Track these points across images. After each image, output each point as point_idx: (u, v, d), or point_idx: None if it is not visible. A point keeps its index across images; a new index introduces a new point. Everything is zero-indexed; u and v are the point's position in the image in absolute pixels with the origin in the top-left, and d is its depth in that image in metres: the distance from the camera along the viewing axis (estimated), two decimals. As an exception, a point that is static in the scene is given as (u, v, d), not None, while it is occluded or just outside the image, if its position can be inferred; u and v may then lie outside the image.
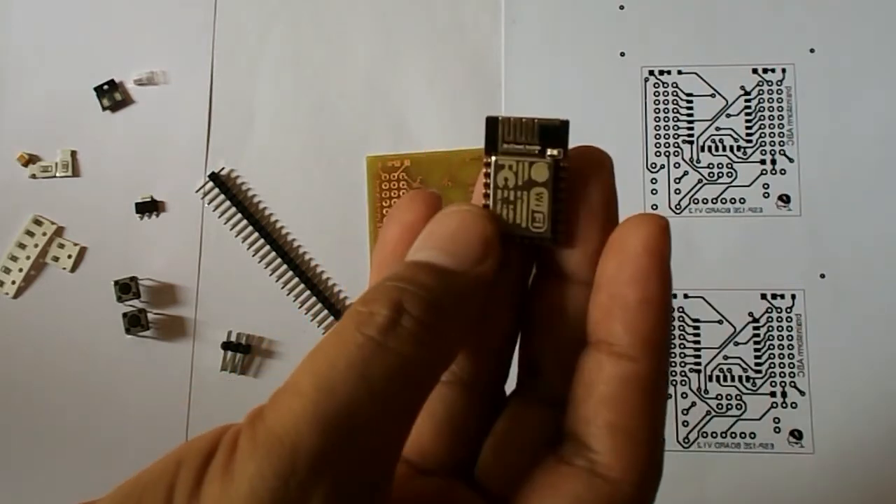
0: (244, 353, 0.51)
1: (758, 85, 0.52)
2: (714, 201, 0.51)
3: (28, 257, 0.53)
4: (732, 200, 0.51)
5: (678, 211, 0.51)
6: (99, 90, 0.54)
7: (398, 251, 0.20)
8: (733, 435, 0.49)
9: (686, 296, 0.50)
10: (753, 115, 0.52)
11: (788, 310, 0.50)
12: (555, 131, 0.20)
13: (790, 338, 0.50)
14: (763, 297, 0.50)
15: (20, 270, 0.53)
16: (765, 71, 0.52)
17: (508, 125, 0.21)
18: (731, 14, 0.53)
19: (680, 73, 0.53)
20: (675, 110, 0.52)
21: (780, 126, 0.52)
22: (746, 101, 0.52)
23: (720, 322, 0.50)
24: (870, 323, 0.49)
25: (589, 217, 0.20)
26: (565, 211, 0.20)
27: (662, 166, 0.52)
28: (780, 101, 0.52)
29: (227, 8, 0.55)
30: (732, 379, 0.50)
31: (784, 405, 0.49)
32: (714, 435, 0.49)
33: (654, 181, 0.52)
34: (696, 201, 0.51)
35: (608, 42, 0.53)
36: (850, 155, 0.51)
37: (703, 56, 0.53)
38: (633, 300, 0.19)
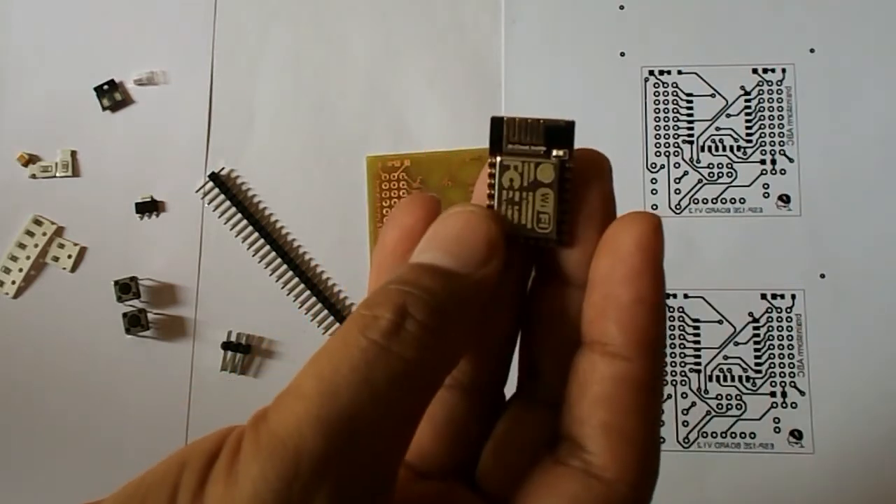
0: (244, 353, 0.51)
1: (758, 85, 0.52)
2: (714, 201, 0.51)
3: (28, 257, 0.53)
4: (732, 200, 0.51)
5: (678, 211, 0.51)
6: (99, 90, 0.54)
7: (397, 254, 0.20)
8: (733, 435, 0.49)
9: (686, 296, 0.50)
10: (753, 115, 0.52)
11: (788, 310, 0.50)
12: (561, 132, 0.20)
13: (790, 338, 0.50)
14: (763, 297, 0.50)
15: (20, 270, 0.52)
16: (765, 71, 0.52)
17: (514, 125, 0.20)
18: (731, 14, 0.53)
19: (680, 73, 0.53)
20: (675, 110, 0.52)
21: (780, 126, 0.52)
22: (746, 101, 0.52)
23: (720, 322, 0.50)
24: (870, 323, 0.50)
25: (590, 219, 0.20)
26: (571, 212, 0.20)
27: (662, 166, 0.52)
28: (780, 101, 0.52)
29: (227, 8, 0.55)
30: (732, 379, 0.50)
31: (784, 405, 0.49)
32: (714, 435, 0.49)
33: (654, 181, 0.52)
34: (696, 201, 0.51)
35: (608, 42, 0.53)
36: (850, 155, 0.51)
37: (703, 56, 0.53)
38: (627, 299, 0.19)
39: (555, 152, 0.20)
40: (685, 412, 0.49)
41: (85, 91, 0.54)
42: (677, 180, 0.52)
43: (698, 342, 0.50)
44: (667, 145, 0.52)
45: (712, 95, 0.52)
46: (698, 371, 0.50)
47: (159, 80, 0.54)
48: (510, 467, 0.20)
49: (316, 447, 0.16)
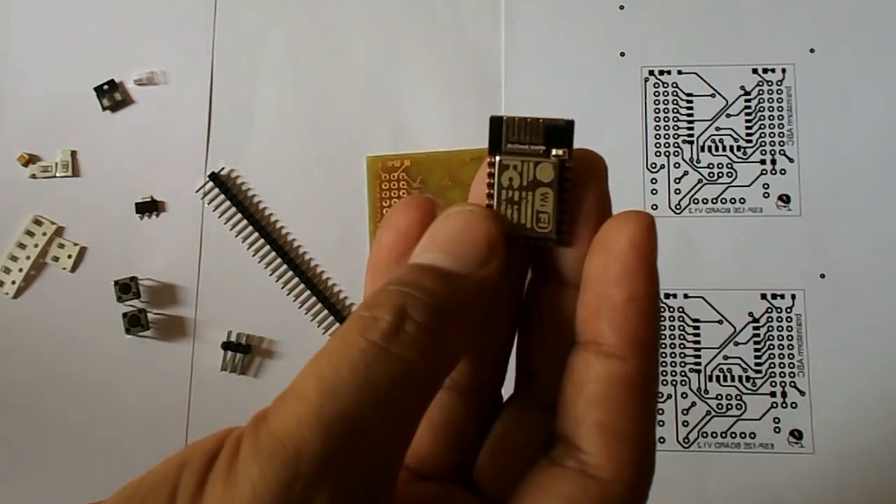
0: (244, 353, 0.51)
1: (758, 85, 0.52)
2: (714, 201, 0.51)
3: (28, 257, 0.53)
4: (732, 200, 0.51)
5: (678, 211, 0.51)
6: (99, 90, 0.54)
7: (392, 257, 0.20)
8: (733, 435, 0.49)
9: (686, 296, 0.50)
10: (753, 115, 0.52)
11: (788, 310, 0.50)
12: (560, 131, 0.20)
13: (790, 338, 0.50)
14: (763, 297, 0.50)
15: (20, 270, 0.52)
16: (765, 71, 0.52)
17: (513, 125, 0.20)
18: (731, 14, 0.53)
19: (680, 73, 0.53)
20: (675, 110, 0.52)
21: (780, 126, 0.52)
22: (746, 101, 0.52)
23: (720, 322, 0.50)
24: (870, 323, 0.50)
25: (588, 219, 0.20)
26: (570, 211, 0.20)
27: (662, 166, 0.52)
28: (780, 101, 0.52)
29: (227, 8, 0.55)
30: (732, 379, 0.50)
31: (784, 405, 0.49)
32: (714, 435, 0.49)
33: (654, 181, 0.52)
34: (696, 201, 0.51)
35: (608, 42, 0.53)
36: (850, 155, 0.51)
37: (703, 56, 0.53)
38: (620, 299, 0.19)
39: (554, 151, 0.20)
40: (685, 412, 0.49)
41: (85, 91, 0.54)
42: (677, 180, 0.52)
43: (698, 342, 0.50)
44: (667, 145, 0.52)
45: (712, 95, 0.52)
46: (698, 371, 0.50)
47: (159, 80, 0.54)
48: (507, 468, 0.20)
49: (315, 448, 0.16)
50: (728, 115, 0.52)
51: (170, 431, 0.51)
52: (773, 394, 0.49)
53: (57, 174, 0.53)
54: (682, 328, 0.50)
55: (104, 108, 0.54)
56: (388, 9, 0.54)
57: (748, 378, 0.49)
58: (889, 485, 0.48)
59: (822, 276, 0.50)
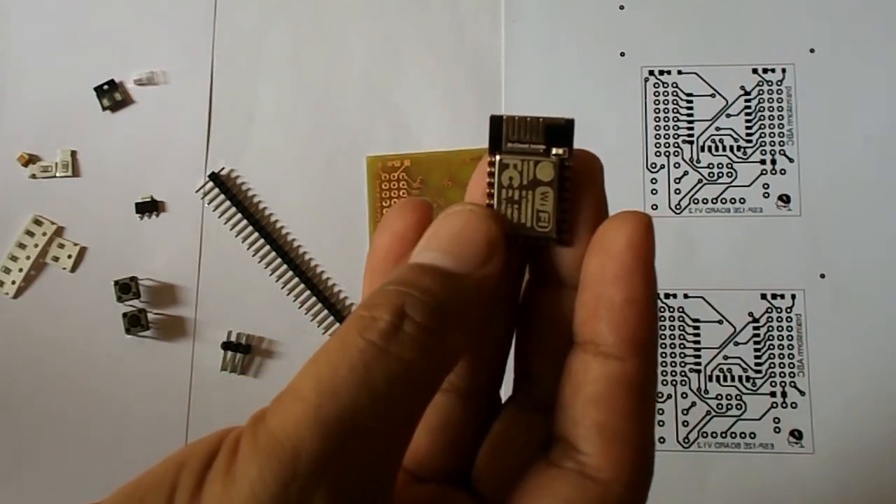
0: (244, 353, 0.51)
1: (758, 85, 0.52)
2: (714, 201, 0.51)
3: (28, 257, 0.53)
4: (732, 200, 0.51)
5: (678, 211, 0.51)
6: (99, 90, 0.54)
7: (389, 259, 0.20)
8: (733, 435, 0.49)
9: (686, 296, 0.50)
10: (753, 115, 0.52)
11: (788, 310, 0.50)
12: (560, 130, 0.20)
13: (790, 338, 0.50)
14: (763, 297, 0.50)
15: (20, 270, 0.52)
16: (765, 71, 0.52)
17: (513, 124, 0.20)
18: (731, 14, 0.53)
19: (680, 73, 0.53)
20: (675, 110, 0.52)
21: (780, 126, 0.52)
22: (746, 101, 0.52)
23: (720, 322, 0.50)
24: (870, 323, 0.49)
25: (587, 219, 0.20)
26: (570, 210, 0.20)
27: (662, 166, 0.52)
28: (780, 101, 0.52)
29: (227, 8, 0.55)
30: (732, 379, 0.50)
31: (784, 405, 0.49)
32: (714, 435, 0.49)
33: (654, 181, 0.52)
34: (696, 201, 0.51)
35: (608, 42, 0.53)
36: (850, 155, 0.51)
37: (703, 56, 0.53)
38: (618, 299, 0.19)
39: (554, 151, 0.20)
40: (685, 412, 0.49)
41: (85, 91, 0.54)
42: (677, 180, 0.51)
43: (698, 342, 0.50)
44: (667, 145, 0.52)
45: (712, 95, 0.52)
46: (698, 371, 0.50)
47: (159, 80, 0.54)
48: (505, 470, 0.20)
49: (314, 448, 0.16)
50: (728, 115, 0.52)
51: (170, 431, 0.51)
52: (773, 394, 0.49)
53: (57, 174, 0.53)
54: (682, 328, 0.50)
55: (104, 108, 0.54)
56: (388, 9, 0.54)
57: (748, 378, 0.49)
58: (889, 485, 0.48)
59: (822, 276, 0.50)
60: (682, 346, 0.50)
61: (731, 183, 0.51)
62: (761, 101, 0.52)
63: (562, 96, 0.53)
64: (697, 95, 0.52)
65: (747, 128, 0.52)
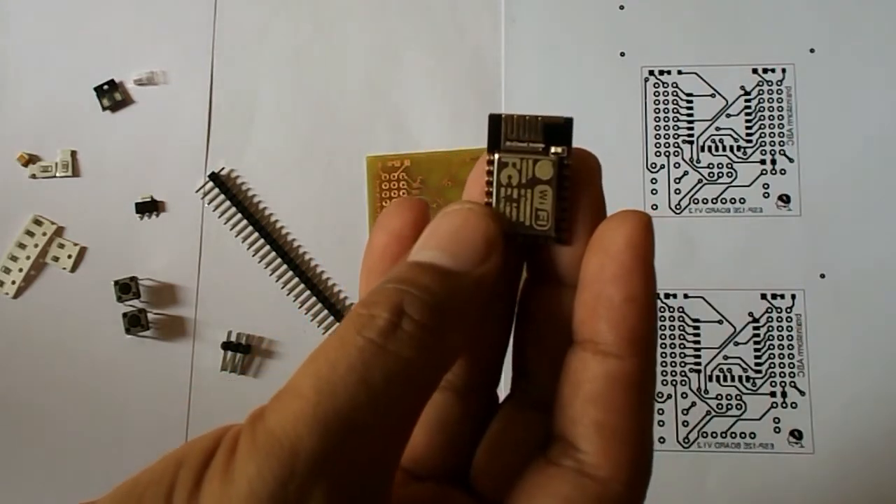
0: (244, 353, 0.51)
1: (758, 85, 0.52)
2: (714, 201, 0.51)
3: (28, 257, 0.53)
4: (732, 200, 0.51)
5: (678, 211, 0.51)
6: (99, 90, 0.54)
7: (386, 258, 0.20)
8: (733, 435, 0.49)
9: (686, 296, 0.50)
10: (753, 115, 0.52)
11: (788, 310, 0.50)
12: (559, 129, 0.20)
13: (790, 338, 0.50)
14: (763, 297, 0.50)
15: (20, 270, 0.53)
16: (765, 71, 0.52)
17: (512, 123, 0.20)
18: (731, 14, 0.53)
19: (680, 73, 0.53)
20: (675, 110, 0.52)
21: (780, 126, 0.52)
22: (746, 101, 0.52)
23: (720, 322, 0.50)
24: (870, 323, 0.49)
25: (586, 218, 0.20)
26: (569, 209, 0.20)
27: (662, 166, 0.52)
28: (780, 101, 0.52)
29: (227, 8, 0.55)
30: (732, 379, 0.50)
31: (784, 405, 0.49)
32: (714, 435, 0.49)
33: (654, 181, 0.52)
34: (696, 201, 0.51)
35: (608, 42, 0.53)
36: (850, 155, 0.51)
37: (703, 56, 0.53)
38: (617, 298, 0.19)
39: (553, 149, 0.20)
40: (685, 412, 0.49)
41: (85, 91, 0.54)
42: (677, 180, 0.51)
43: (698, 342, 0.50)
44: (667, 145, 0.52)
45: (712, 95, 0.52)
46: (698, 371, 0.50)
47: (159, 80, 0.54)
48: (503, 469, 0.20)
49: (312, 446, 0.16)
50: (728, 115, 0.52)
51: (170, 431, 0.51)
52: (773, 394, 0.49)
53: (57, 174, 0.53)
54: (682, 328, 0.50)
55: (104, 108, 0.54)
56: (388, 9, 0.54)
57: (748, 378, 0.49)
58: (889, 485, 0.48)
59: (822, 276, 0.50)
60: (682, 346, 0.50)
61: (731, 183, 0.51)
62: (761, 101, 0.52)
63: (562, 96, 0.53)
64: (697, 95, 0.52)
65: (747, 128, 0.52)
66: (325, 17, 0.55)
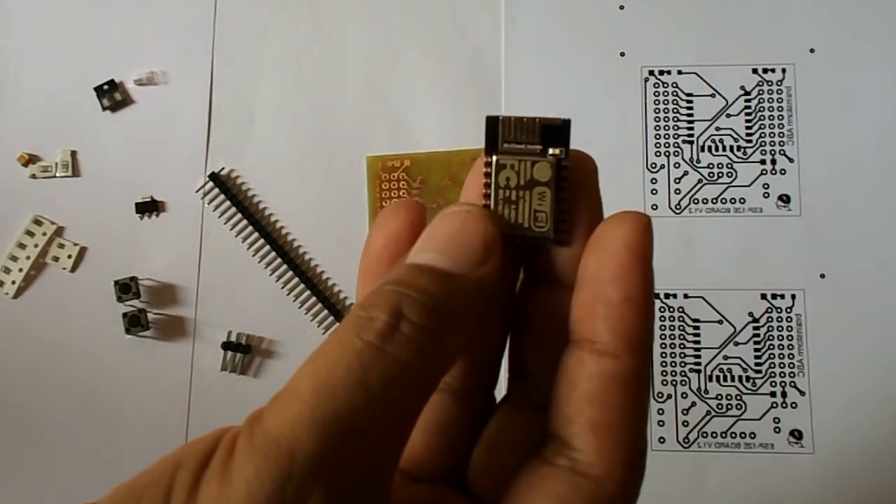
0: (244, 353, 0.51)
1: (758, 85, 0.52)
2: (714, 201, 0.51)
3: (28, 257, 0.53)
4: (732, 200, 0.51)
5: (678, 211, 0.51)
6: (99, 90, 0.54)
7: (383, 260, 0.20)
8: (733, 435, 0.49)
9: (686, 296, 0.50)
10: (753, 115, 0.52)
11: (788, 310, 0.50)
12: (557, 130, 0.20)
13: (790, 338, 0.50)
14: (763, 297, 0.50)
15: (20, 270, 0.53)
16: (765, 71, 0.52)
17: (509, 124, 0.20)
18: (731, 14, 0.53)
19: (680, 73, 0.53)
20: (675, 110, 0.52)
21: (780, 126, 0.52)
22: (746, 101, 0.52)
23: (720, 322, 0.50)
24: (870, 323, 0.49)
25: (584, 219, 0.20)
26: (567, 210, 0.20)
27: (662, 166, 0.52)
28: (780, 101, 0.52)
29: (227, 8, 0.55)
30: (732, 379, 0.50)
31: (784, 405, 0.49)
32: (714, 435, 0.49)
33: (654, 181, 0.51)
34: (696, 201, 0.51)
35: (608, 42, 0.53)
36: (850, 155, 0.51)
37: (703, 56, 0.53)
38: (616, 298, 0.19)
39: (551, 151, 0.20)
40: (685, 412, 0.49)
41: (85, 91, 0.54)
42: (677, 180, 0.51)
43: (698, 342, 0.50)
44: (667, 145, 0.52)
45: (712, 95, 0.52)
46: (698, 371, 0.50)
47: (159, 80, 0.54)
48: (500, 469, 0.20)
49: (310, 448, 0.16)
50: (728, 115, 0.52)
51: (170, 431, 0.51)
52: (773, 394, 0.49)
53: (57, 174, 0.53)
54: (682, 328, 0.50)
55: (104, 108, 0.54)
56: (388, 9, 0.54)
57: (748, 378, 0.49)
58: (889, 485, 0.48)
59: (822, 276, 0.50)
60: (682, 346, 0.50)
61: (731, 183, 0.51)
62: (761, 101, 0.52)
63: (562, 96, 0.53)
64: (697, 95, 0.52)
65: (747, 128, 0.52)
66: (325, 17, 0.55)
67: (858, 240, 0.50)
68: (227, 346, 0.51)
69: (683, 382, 0.50)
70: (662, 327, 0.50)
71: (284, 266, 0.52)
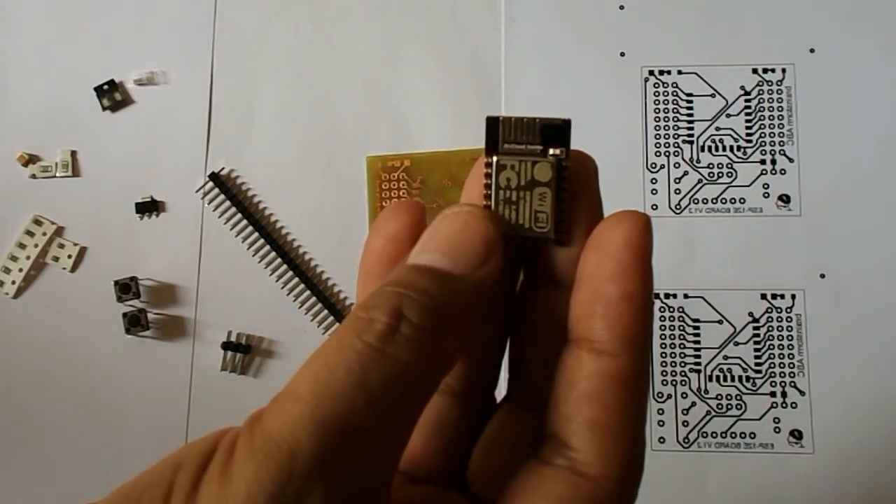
0: (244, 353, 0.51)
1: (758, 85, 0.52)
2: (714, 201, 0.51)
3: (28, 257, 0.53)
4: (732, 200, 0.51)
5: (678, 211, 0.51)
6: (99, 90, 0.54)
7: (383, 261, 0.20)
8: (733, 435, 0.49)
9: (686, 296, 0.50)
10: (753, 115, 0.52)
11: (788, 310, 0.50)
12: (557, 130, 0.20)
13: (790, 338, 0.50)
14: (763, 297, 0.50)
15: (20, 270, 0.53)
16: (765, 71, 0.52)
17: (509, 125, 0.20)
18: (731, 14, 0.53)
19: (680, 73, 0.53)
20: (675, 110, 0.52)
21: (780, 126, 0.52)
22: (746, 101, 0.52)
23: (720, 322, 0.50)
24: (870, 323, 0.49)
25: (584, 219, 0.20)
26: (568, 211, 0.20)
27: (662, 166, 0.52)
28: (780, 101, 0.52)
29: (227, 8, 0.55)
30: (732, 379, 0.50)
31: (784, 405, 0.49)
32: (714, 435, 0.49)
33: (654, 181, 0.51)
34: (696, 201, 0.51)
35: (608, 42, 0.53)
36: (850, 155, 0.51)
37: (703, 56, 0.53)
38: (614, 296, 0.19)
39: (551, 151, 0.20)
40: (685, 412, 0.49)
41: (85, 91, 0.54)
42: (677, 180, 0.51)
43: (698, 342, 0.50)
44: (667, 145, 0.52)
45: (712, 95, 0.52)
46: (698, 371, 0.50)
47: (159, 80, 0.54)
48: (498, 469, 0.20)
49: (310, 449, 0.16)
50: (728, 115, 0.52)
51: (170, 431, 0.51)
52: (773, 394, 0.49)
53: (57, 174, 0.53)
54: (682, 328, 0.50)
55: (104, 108, 0.54)
56: (388, 9, 0.54)
57: (748, 378, 0.49)
58: (889, 485, 0.48)
59: (822, 276, 0.50)
60: (682, 346, 0.50)
61: (731, 183, 0.51)
62: (761, 101, 0.52)
63: (562, 96, 0.53)
64: (697, 95, 0.52)
65: (747, 128, 0.52)
66: (325, 17, 0.55)
67: (858, 240, 0.50)
68: (227, 346, 0.51)
69: (683, 382, 0.50)
70: (662, 327, 0.50)
71: (284, 266, 0.52)
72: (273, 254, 0.52)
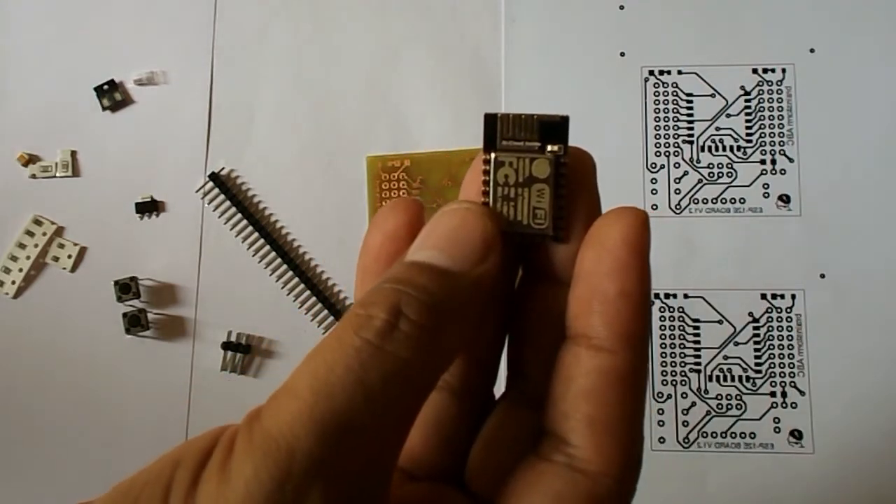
0: (244, 353, 0.51)
1: (758, 85, 0.52)
2: (714, 201, 0.51)
3: (28, 257, 0.53)
4: (732, 200, 0.51)
5: (678, 211, 0.51)
6: (99, 90, 0.54)
7: (381, 259, 0.20)
8: (733, 435, 0.49)
9: (686, 296, 0.50)
10: (753, 115, 0.52)
11: (788, 310, 0.50)
12: (555, 127, 0.20)
13: (790, 338, 0.50)
14: (763, 297, 0.50)
15: (20, 270, 0.53)
16: (765, 71, 0.52)
17: (508, 122, 0.20)
18: (731, 14, 0.53)
19: (680, 73, 0.53)
20: (675, 110, 0.52)
21: (780, 126, 0.52)
22: (746, 101, 0.52)
23: (720, 322, 0.50)
24: (870, 323, 0.49)
25: (582, 216, 0.20)
26: (566, 207, 0.20)
27: (662, 166, 0.52)
28: (780, 101, 0.52)
29: (227, 8, 0.55)
30: (732, 379, 0.50)
31: (784, 405, 0.49)
32: (714, 435, 0.49)
33: (654, 181, 0.51)
34: (696, 201, 0.51)
35: (608, 42, 0.53)
36: (850, 155, 0.51)
37: (703, 56, 0.53)
38: (612, 292, 0.19)
39: (549, 148, 0.20)
40: (685, 412, 0.49)
41: (85, 91, 0.54)
42: (677, 180, 0.51)
43: (698, 342, 0.50)
44: (667, 145, 0.52)
45: (712, 95, 0.52)
46: (698, 371, 0.50)
47: (159, 80, 0.54)
48: (497, 467, 0.20)
49: (309, 447, 0.16)
50: (728, 115, 0.52)
51: (170, 431, 0.51)
52: (773, 394, 0.49)
53: (57, 174, 0.53)
54: (682, 328, 0.50)
55: (104, 108, 0.54)
56: (388, 9, 0.54)
57: (748, 378, 0.49)
58: (889, 485, 0.48)
59: (822, 276, 0.50)
60: (682, 346, 0.50)
61: (731, 183, 0.51)
62: (761, 101, 0.52)
63: (562, 96, 0.53)
64: (697, 95, 0.52)
65: (747, 128, 0.52)
66: (325, 17, 0.55)
67: (858, 240, 0.50)
68: (227, 346, 0.51)
69: (683, 382, 0.50)
70: (662, 327, 0.50)
71: (284, 266, 0.52)
72: (273, 254, 0.52)
